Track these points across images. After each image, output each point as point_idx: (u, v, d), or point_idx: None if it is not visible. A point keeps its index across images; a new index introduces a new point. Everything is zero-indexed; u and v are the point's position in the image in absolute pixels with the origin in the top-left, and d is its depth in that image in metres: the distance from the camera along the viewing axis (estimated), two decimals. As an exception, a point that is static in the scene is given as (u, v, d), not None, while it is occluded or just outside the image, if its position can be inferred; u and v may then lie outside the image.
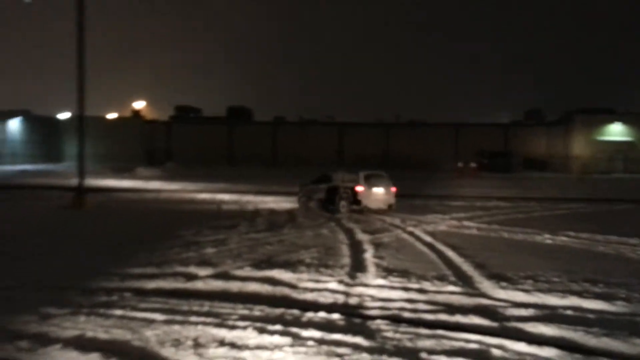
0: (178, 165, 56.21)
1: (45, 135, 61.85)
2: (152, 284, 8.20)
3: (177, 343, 5.70)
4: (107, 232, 14.14)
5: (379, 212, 19.11)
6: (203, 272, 9.03)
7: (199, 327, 6.20)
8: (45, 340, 5.67)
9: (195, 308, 6.94)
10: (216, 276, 8.76)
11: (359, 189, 19.08)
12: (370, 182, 19.38)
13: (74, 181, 22.96)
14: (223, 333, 6.02)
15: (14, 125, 59.59)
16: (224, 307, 7.00)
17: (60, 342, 5.61)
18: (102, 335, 5.89)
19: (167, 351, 5.50)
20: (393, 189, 19.70)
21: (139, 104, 71.57)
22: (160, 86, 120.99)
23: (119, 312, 6.69)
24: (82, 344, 5.60)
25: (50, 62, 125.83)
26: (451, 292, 7.93)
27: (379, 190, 19.35)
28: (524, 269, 9.55)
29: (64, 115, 64.42)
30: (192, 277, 8.65)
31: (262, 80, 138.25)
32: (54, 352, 5.35)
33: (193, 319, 6.48)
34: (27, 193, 28.05)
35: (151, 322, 6.36)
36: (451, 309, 7.05)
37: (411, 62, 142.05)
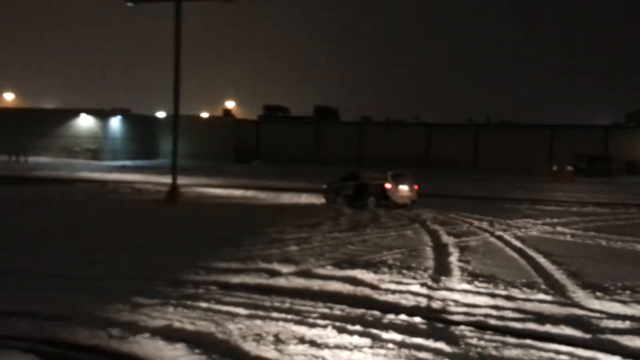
0: (265, 164, 57.54)
1: (143, 133, 65.28)
2: (236, 279, 8.40)
3: (258, 338, 5.78)
4: (196, 227, 14.68)
5: (404, 206, 20.67)
6: (285, 269, 9.14)
7: (280, 323, 6.26)
8: (135, 329, 5.93)
9: (277, 304, 7.03)
10: (298, 274, 8.84)
11: (388, 186, 20.89)
12: (397, 180, 21.23)
13: (166, 178, 24.06)
14: (303, 330, 6.05)
15: (115, 123, 63.36)
16: (305, 305, 7.04)
17: (149, 331, 5.84)
18: (188, 326, 6.09)
19: (249, 345, 5.59)
20: (415, 187, 21.50)
21: (230, 104, 73.99)
22: (250, 86, 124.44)
23: (204, 304, 6.89)
24: (169, 334, 5.81)
25: (150, 64, 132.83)
26: (541, 301, 7.53)
27: (404, 188, 21.17)
28: (622, 279, 8.91)
29: (161, 114, 67.75)
30: (275, 274, 8.77)
31: (349, 80, 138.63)
32: (143, 341, 5.58)
33: (274, 315, 6.56)
34: (125, 187, 29.74)
35: (235, 316, 6.50)
36: (541, 318, 6.70)
37: (503, 63, 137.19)
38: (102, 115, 62.35)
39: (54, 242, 11.68)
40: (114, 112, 63.25)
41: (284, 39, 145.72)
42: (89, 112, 62.48)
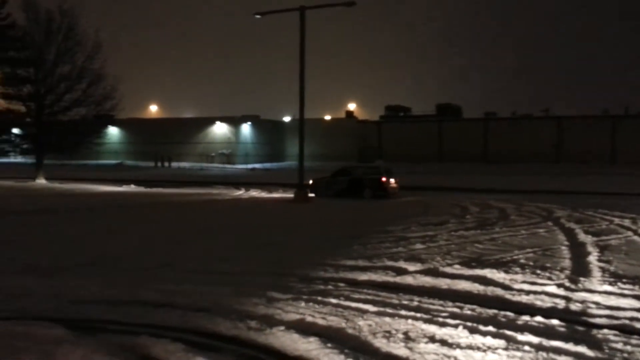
0: (387, 163, 57.46)
1: (271, 137, 68.05)
2: (363, 276, 8.52)
3: (388, 335, 5.84)
4: (323, 226, 15.07)
5: (392, 195, 25.02)
6: (412, 267, 9.11)
7: (409, 321, 6.26)
8: (271, 322, 6.24)
9: (405, 302, 7.04)
10: (425, 272, 8.77)
11: (384, 179, 25.11)
12: (388, 174, 25.49)
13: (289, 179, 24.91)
14: (433, 329, 6.00)
15: (246, 129, 66.68)
16: (434, 304, 6.97)
17: (284, 325, 6.12)
18: (319, 321, 6.29)
19: (379, 342, 5.66)
20: (397, 179, 26.08)
21: (352, 106, 74.85)
22: (372, 88, 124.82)
23: (334, 300, 7.07)
24: (302, 327, 6.04)
25: (276, 72, 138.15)
26: (698, 306, 6.83)
27: (392, 180, 25.55)
28: None
29: (287, 119, 70.19)
30: (401, 272, 8.78)
31: (472, 76, 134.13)
32: (279, 333, 5.86)
33: (403, 312, 6.57)
34: (257, 189, 31.21)
35: (364, 312, 6.60)
36: (698, 324, 6.08)
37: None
38: (234, 122, 65.90)
39: (195, 240, 12.60)
40: (244, 119, 66.58)
41: (404, 39, 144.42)
42: (223, 119, 66.36)
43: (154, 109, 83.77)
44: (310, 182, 26.49)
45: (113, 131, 66.84)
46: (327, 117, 71.60)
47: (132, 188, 32.62)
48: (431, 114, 68.46)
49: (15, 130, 41.16)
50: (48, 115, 40.92)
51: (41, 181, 35.83)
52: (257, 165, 60.54)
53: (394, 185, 25.75)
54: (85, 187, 33.19)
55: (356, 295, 7.34)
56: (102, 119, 44.88)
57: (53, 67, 40.57)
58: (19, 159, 50.74)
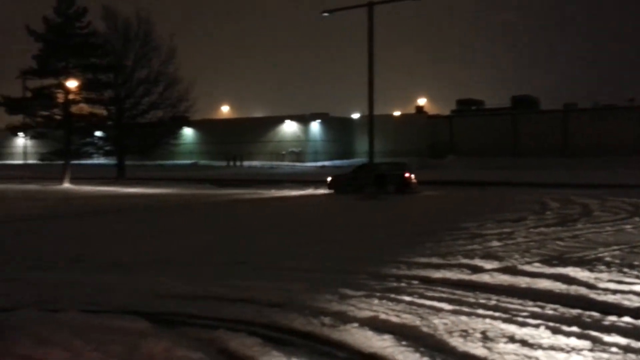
0: (459, 158, 56.21)
1: (340, 135, 68.20)
2: (437, 274, 8.35)
3: (465, 334, 5.68)
4: (394, 222, 14.92)
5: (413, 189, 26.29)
6: (489, 265, 8.83)
7: (487, 320, 6.07)
8: (345, 318, 6.22)
9: (482, 301, 6.83)
10: (503, 270, 8.48)
11: (407, 175, 26.53)
12: (410, 170, 27.19)
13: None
14: (512, 329, 5.79)
15: (315, 127, 67.15)
16: (512, 303, 6.72)
17: (357, 322, 6.09)
18: (393, 318, 6.21)
19: (455, 341, 5.52)
20: (415, 175, 27.40)
21: (422, 101, 73.77)
22: (442, 81, 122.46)
23: (407, 298, 6.97)
24: (376, 325, 5.98)
25: (344, 69, 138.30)
26: None
27: (413, 176, 26.83)
28: None
29: (355, 116, 70.11)
30: (477, 270, 8.53)
31: (549, 66, 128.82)
32: (352, 330, 5.83)
33: (480, 311, 6.38)
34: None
35: (438, 310, 6.46)
36: None
37: None
38: (304, 120, 66.55)
39: (265, 237, 12.82)
40: (313, 117, 67.10)
41: (475, 30, 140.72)
42: (292, 118, 67.16)
43: (225, 109, 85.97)
44: (329, 179, 27.64)
45: (187, 132, 69.08)
46: (397, 113, 70.87)
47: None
48: (506, 107, 66.26)
49: (97, 133, 43.38)
50: (128, 118, 42.97)
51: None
52: (326, 163, 60.82)
53: (415, 180, 27.13)
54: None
55: (430, 293, 7.20)
56: (177, 121, 46.53)
57: (131, 72, 42.55)
58: (102, 161, 53.45)
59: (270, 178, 41.97)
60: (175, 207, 21.05)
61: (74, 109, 39.88)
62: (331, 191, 26.95)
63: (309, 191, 28.40)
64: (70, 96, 39.08)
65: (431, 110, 72.66)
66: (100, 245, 12.10)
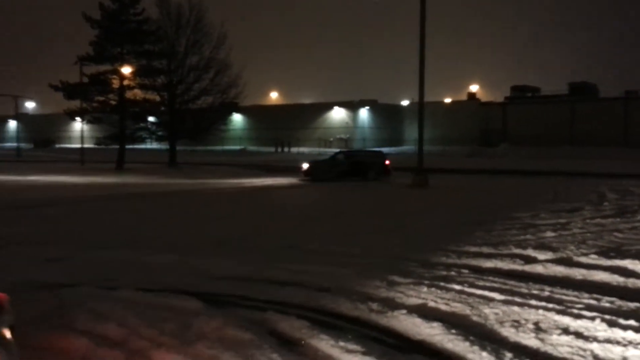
0: (512, 147, 54.87)
1: (388, 121, 67.63)
2: (488, 264, 8.20)
3: (516, 324, 5.57)
4: (444, 211, 14.73)
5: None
6: (542, 256, 8.61)
7: (540, 311, 5.92)
8: (392, 305, 6.20)
9: (534, 292, 6.67)
10: (557, 261, 8.25)
11: (388, 162, 27.61)
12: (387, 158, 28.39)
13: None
14: (566, 321, 5.63)
15: (364, 113, 66.82)
16: (567, 295, 6.54)
17: (405, 308, 6.05)
18: (442, 306, 6.14)
19: (506, 331, 5.42)
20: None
21: (474, 87, 72.21)
22: (496, 67, 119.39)
23: (457, 287, 6.88)
24: (425, 312, 5.94)
25: (394, 55, 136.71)
26: None
27: (388, 162, 27.75)
28: None
29: (405, 102, 69.32)
30: (530, 260, 8.33)
31: (609, 52, 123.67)
32: (401, 317, 5.81)
33: (533, 302, 6.23)
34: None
35: (489, 300, 6.35)
36: None
37: None
38: (352, 106, 66.28)
39: (316, 223, 12.88)
40: (362, 104, 66.75)
41: (530, 13, 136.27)
42: (341, 104, 67.00)
43: (274, 95, 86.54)
44: (306, 166, 27.49)
45: (237, 118, 69.93)
46: (448, 100, 69.67)
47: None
48: (563, 94, 64.04)
49: (150, 119, 44.44)
50: (179, 104, 43.77)
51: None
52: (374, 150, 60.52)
53: (390, 166, 28.08)
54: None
55: (481, 283, 7.08)
56: (227, 107, 47.08)
57: (183, 58, 43.25)
58: (154, 145, 54.78)
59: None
60: (226, 194, 21.42)
61: (128, 94, 40.96)
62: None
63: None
64: (125, 82, 40.14)
65: (483, 97, 71.11)
66: (155, 227, 12.46)
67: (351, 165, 27.15)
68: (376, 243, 10.01)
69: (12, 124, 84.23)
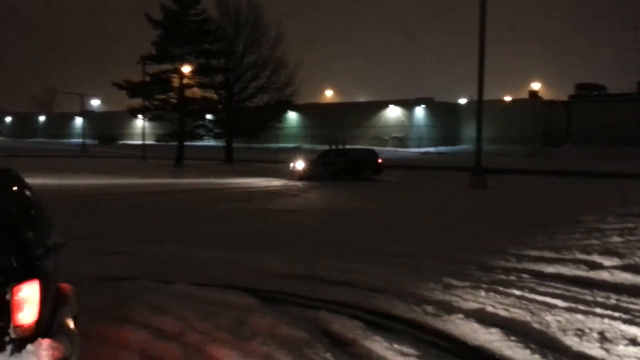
0: (576, 147, 52.85)
1: (445, 120, 66.42)
2: (550, 269, 7.89)
3: (580, 333, 5.31)
4: (503, 212, 14.31)
5: None
6: (608, 262, 8.20)
7: (606, 320, 5.63)
8: (449, 309, 6.04)
9: (600, 299, 6.35)
10: (624, 268, 7.83)
11: (380, 161, 27.61)
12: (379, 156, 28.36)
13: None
14: (634, 331, 5.33)
15: (419, 112, 65.94)
16: (635, 303, 6.20)
17: (462, 313, 5.89)
18: (501, 312, 5.94)
19: (569, 340, 5.18)
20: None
21: (536, 85, 70.00)
22: (558, 65, 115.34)
23: (517, 292, 6.63)
24: (483, 317, 5.75)
25: (451, 53, 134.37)
26: None
27: (380, 160, 27.79)
28: None
29: (462, 101, 67.97)
30: (595, 267, 7.95)
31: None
32: (457, 321, 5.65)
33: (598, 310, 5.94)
34: (430, 173, 30.81)
35: (551, 307, 6.09)
36: None
37: None
38: (408, 105, 65.55)
39: (365, 221, 12.78)
40: (418, 102, 65.88)
41: (597, 8, 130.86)
42: (396, 102, 66.35)
43: (329, 93, 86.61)
44: (301, 165, 26.91)
45: (292, 116, 70.41)
46: (507, 98, 67.80)
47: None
48: (631, 93, 61.13)
49: (208, 116, 45.37)
50: (236, 102, 44.50)
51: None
52: (430, 149, 59.60)
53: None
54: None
55: (542, 289, 6.81)
56: (283, 105, 47.49)
57: (241, 57, 43.95)
58: (211, 142, 55.90)
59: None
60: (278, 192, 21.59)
61: (187, 92, 41.98)
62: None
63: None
64: (185, 81, 41.15)
65: (546, 95, 68.75)
66: (210, 224, 12.68)
67: (346, 163, 26.91)
68: (431, 244, 9.81)
69: (78, 121, 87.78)
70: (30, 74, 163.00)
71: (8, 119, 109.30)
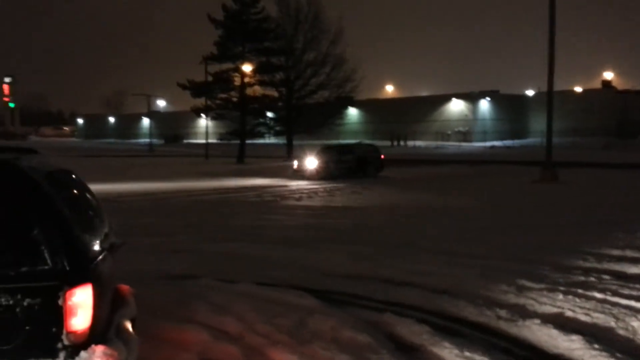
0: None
1: (511, 113, 64.30)
2: (634, 269, 7.30)
3: (674, 342, 4.81)
4: (577, 208, 13.56)
5: None
6: (701, 262, 7.51)
7: None
8: (524, 313, 5.65)
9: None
10: None
11: (383, 157, 26.73)
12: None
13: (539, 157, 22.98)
14: None
15: (484, 105, 64.13)
16: None
17: (539, 317, 5.48)
18: (581, 317, 5.49)
19: (663, 350, 4.70)
20: None
21: (609, 75, 66.65)
22: (634, 53, 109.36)
23: (598, 295, 6.14)
24: (562, 322, 5.33)
25: (517, 43, 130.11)
26: None
27: (382, 157, 26.94)
28: None
29: (530, 92, 65.61)
30: (686, 267, 7.30)
31: None
32: (533, 327, 5.25)
33: (696, 317, 5.38)
34: (497, 168, 29.80)
35: (637, 312, 5.58)
36: None
37: None
38: (472, 98, 63.91)
39: (431, 219, 12.37)
40: (482, 94, 64.13)
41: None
42: (459, 96, 64.84)
43: (389, 89, 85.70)
44: (313, 164, 25.27)
45: (352, 112, 70.07)
46: (578, 89, 64.87)
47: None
48: None
49: (269, 114, 45.74)
50: (296, 99, 44.65)
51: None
52: (496, 143, 57.77)
53: None
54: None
55: (626, 291, 6.27)
56: (343, 101, 47.26)
57: (301, 54, 44.03)
58: (272, 140, 56.40)
59: (430, 158, 40.99)
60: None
61: (248, 91, 42.46)
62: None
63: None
64: (246, 79, 41.64)
65: (620, 85, 65.32)
66: (270, 222, 12.64)
67: (356, 161, 25.85)
68: (501, 243, 9.33)
69: (145, 121, 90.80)
70: (102, 76, 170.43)
71: (80, 121, 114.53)
